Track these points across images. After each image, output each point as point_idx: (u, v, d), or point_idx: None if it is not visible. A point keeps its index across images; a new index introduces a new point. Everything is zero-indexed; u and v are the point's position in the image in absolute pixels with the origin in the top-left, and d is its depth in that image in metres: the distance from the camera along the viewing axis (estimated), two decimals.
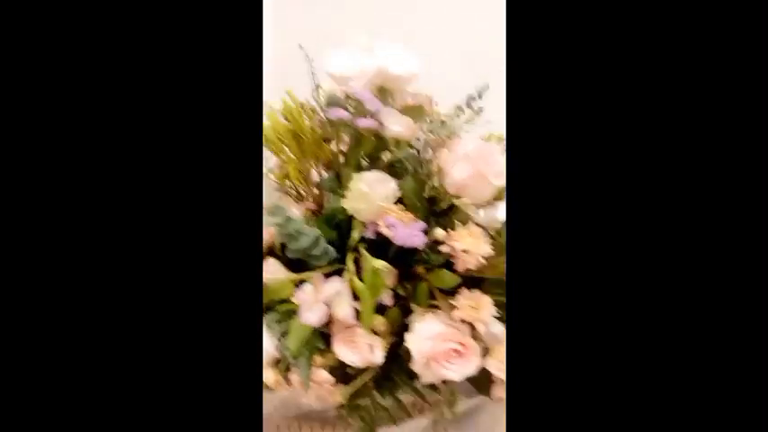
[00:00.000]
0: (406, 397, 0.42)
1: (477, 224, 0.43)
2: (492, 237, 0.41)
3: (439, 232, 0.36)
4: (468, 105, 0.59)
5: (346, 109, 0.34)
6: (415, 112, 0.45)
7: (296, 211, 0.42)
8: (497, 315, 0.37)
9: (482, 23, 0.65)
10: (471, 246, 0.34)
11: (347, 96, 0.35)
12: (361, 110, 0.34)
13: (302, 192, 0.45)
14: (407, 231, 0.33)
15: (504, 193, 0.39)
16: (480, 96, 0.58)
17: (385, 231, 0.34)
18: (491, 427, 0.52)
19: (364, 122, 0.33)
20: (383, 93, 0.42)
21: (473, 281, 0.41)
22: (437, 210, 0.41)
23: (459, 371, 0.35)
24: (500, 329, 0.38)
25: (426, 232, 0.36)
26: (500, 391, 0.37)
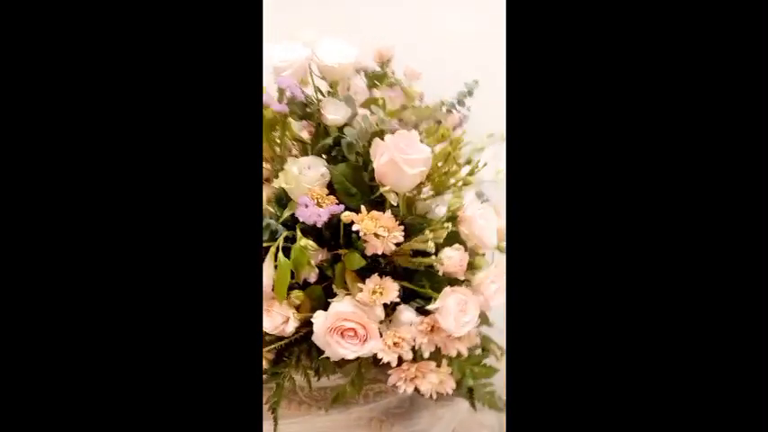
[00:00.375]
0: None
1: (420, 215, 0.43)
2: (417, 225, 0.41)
3: (345, 215, 0.37)
4: (460, 102, 0.59)
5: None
6: (374, 104, 0.47)
7: (263, 191, 0.47)
8: (400, 302, 0.37)
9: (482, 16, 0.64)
10: (368, 229, 0.35)
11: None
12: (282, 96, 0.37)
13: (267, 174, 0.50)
14: (311, 211, 0.36)
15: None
16: (471, 93, 0.58)
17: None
18: (431, 424, 0.51)
19: (277, 107, 0.36)
20: (336, 83, 0.44)
21: (407, 272, 0.42)
22: (375, 198, 0.42)
23: (354, 350, 0.36)
24: (410, 317, 0.38)
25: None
26: (395, 379, 0.37)
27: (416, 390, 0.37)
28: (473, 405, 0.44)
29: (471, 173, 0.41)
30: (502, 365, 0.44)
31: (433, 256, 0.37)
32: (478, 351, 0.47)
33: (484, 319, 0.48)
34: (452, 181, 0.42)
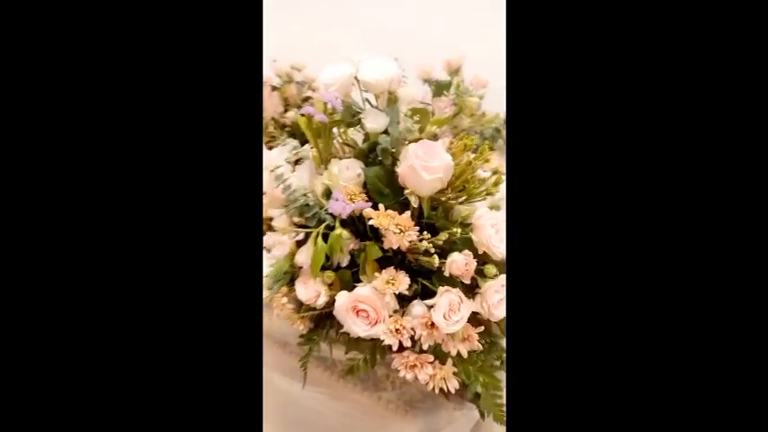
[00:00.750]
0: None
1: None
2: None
3: (366, 211, 0.43)
4: (492, 137, 0.61)
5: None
6: (420, 112, 0.51)
7: (319, 187, 0.56)
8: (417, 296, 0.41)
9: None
10: (382, 224, 0.40)
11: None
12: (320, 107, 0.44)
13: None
14: (340, 204, 0.42)
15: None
16: (500, 131, 0.59)
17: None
18: (446, 424, 0.53)
19: (318, 116, 0.43)
20: (391, 98, 0.50)
21: (429, 271, 0.45)
22: (404, 200, 0.47)
23: (364, 329, 0.41)
24: (420, 311, 0.42)
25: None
26: (397, 363, 0.41)
27: (416, 378, 0.41)
28: (481, 413, 0.45)
29: (496, 183, 0.42)
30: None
31: (435, 257, 0.39)
32: (497, 362, 0.47)
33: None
34: (482, 189, 0.44)
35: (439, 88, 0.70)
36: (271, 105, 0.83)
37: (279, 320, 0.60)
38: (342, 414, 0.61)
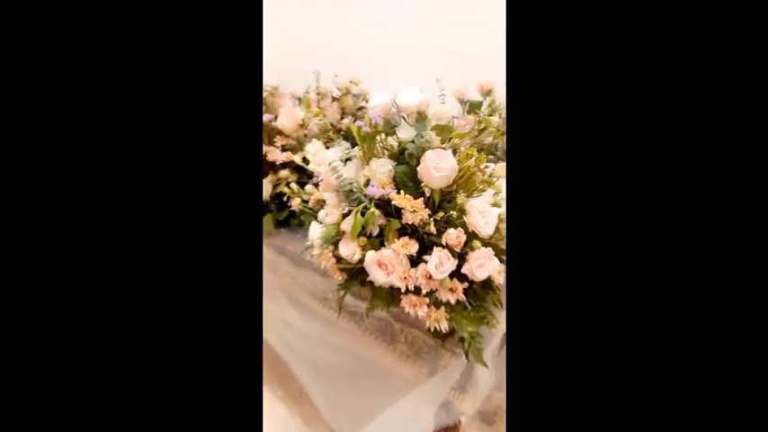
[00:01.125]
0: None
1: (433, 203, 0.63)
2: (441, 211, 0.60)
3: (391, 195, 0.60)
4: (493, 154, 0.77)
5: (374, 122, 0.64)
6: (442, 129, 0.69)
7: (362, 178, 0.75)
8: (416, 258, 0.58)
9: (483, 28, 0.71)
10: (401, 204, 0.57)
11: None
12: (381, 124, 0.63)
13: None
14: (374, 189, 0.60)
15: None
16: (501, 151, 0.74)
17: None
18: (442, 367, 0.69)
19: (366, 128, 0.62)
20: (419, 116, 0.68)
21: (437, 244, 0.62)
22: (422, 190, 0.64)
23: (382, 277, 0.59)
24: (422, 267, 0.59)
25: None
26: (404, 303, 0.58)
27: (417, 316, 0.58)
28: (466, 354, 0.61)
29: (488, 183, 0.58)
30: (490, 333, 0.59)
31: (432, 226, 0.56)
32: (487, 321, 0.63)
33: (497, 302, 0.63)
34: (479, 186, 0.60)
35: (472, 107, 0.87)
36: (331, 113, 1.04)
37: (322, 283, 0.79)
38: (364, 359, 0.80)
